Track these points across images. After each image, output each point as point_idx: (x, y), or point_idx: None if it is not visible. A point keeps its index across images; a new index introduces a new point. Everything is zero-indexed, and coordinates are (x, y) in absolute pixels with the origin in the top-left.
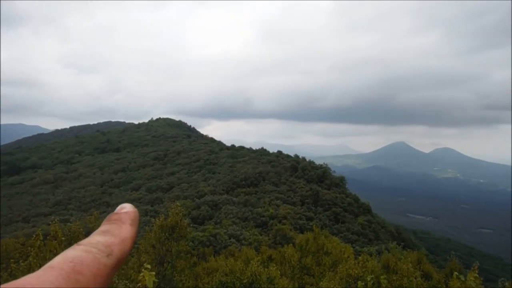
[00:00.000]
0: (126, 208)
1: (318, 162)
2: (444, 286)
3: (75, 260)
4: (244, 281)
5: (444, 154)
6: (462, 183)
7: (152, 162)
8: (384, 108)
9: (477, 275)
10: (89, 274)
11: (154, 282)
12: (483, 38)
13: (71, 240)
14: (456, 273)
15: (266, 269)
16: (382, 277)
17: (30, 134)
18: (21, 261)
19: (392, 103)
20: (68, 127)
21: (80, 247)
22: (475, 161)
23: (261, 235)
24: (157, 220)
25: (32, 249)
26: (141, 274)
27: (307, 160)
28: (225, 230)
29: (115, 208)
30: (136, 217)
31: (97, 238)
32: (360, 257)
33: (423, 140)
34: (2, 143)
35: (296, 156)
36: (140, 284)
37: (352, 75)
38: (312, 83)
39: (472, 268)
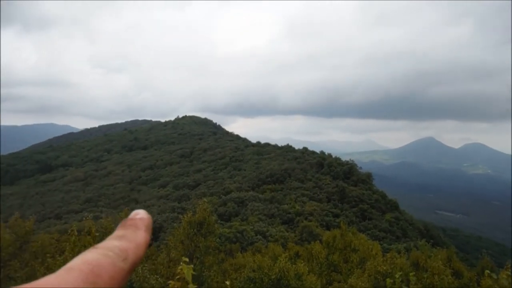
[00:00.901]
0: (141, 214)
1: (344, 158)
2: (476, 284)
3: (93, 262)
4: (272, 277)
5: (475, 150)
6: (493, 179)
7: (179, 160)
8: (413, 103)
9: (510, 274)
10: (107, 276)
11: (192, 275)
12: None
13: (104, 235)
14: (487, 271)
15: (293, 265)
16: (411, 274)
17: (61, 134)
18: (57, 255)
19: (421, 97)
20: (97, 126)
21: (98, 251)
22: (507, 157)
23: (287, 231)
24: (185, 216)
25: (67, 244)
26: (179, 267)
27: (333, 156)
28: (251, 227)
29: (143, 205)
30: (150, 223)
31: (113, 243)
32: (388, 254)
33: (453, 135)
34: (34, 143)
35: (322, 152)
36: (178, 277)
37: (379, 70)
38: (338, 78)
39: (505, 267)
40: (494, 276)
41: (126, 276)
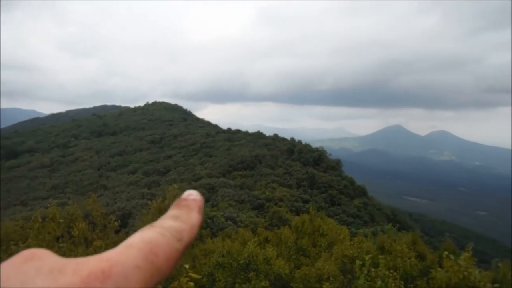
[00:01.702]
0: (194, 195)
1: (315, 145)
2: (438, 266)
3: (152, 241)
4: (241, 261)
5: (441, 137)
6: (458, 166)
7: (149, 146)
8: (382, 91)
9: (470, 255)
10: (163, 256)
11: None
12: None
13: (69, 222)
14: (446, 252)
15: (262, 250)
16: (380, 257)
17: (26, 119)
18: (20, 243)
19: (390, 86)
20: (64, 111)
21: (155, 229)
22: (472, 144)
23: (257, 217)
24: (154, 202)
25: (31, 231)
26: None
27: (304, 143)
28: (221, 213)
29: (112, 191)
30: (203, 204)
31: (169, 223)
32: (355, 238)
33: (420, 123)
34: None
35: (292, 139)
36: None
37: (350, 58)
38: (310, 66)
39: (466, 249)
40: (452, 257)
41: (179, 257)
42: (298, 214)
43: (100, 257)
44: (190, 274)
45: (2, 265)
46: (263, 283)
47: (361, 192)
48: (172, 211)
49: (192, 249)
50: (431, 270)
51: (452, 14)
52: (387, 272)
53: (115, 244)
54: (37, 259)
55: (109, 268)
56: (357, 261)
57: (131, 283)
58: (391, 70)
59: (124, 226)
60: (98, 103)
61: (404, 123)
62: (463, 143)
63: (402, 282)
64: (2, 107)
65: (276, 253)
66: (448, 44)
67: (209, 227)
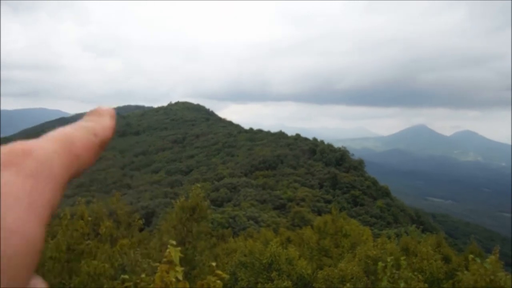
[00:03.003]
0: (104, 106)
1: (336, 145)
2: (464, 269)
3: (67, 133)
4: (264, 261)
5: (465, 137)
6: (483, 167)
7: (171, 145)
8: (404, 90)
9: (497, 258)
10: (80, 145)
11: (179, 257)
12: (506, 15)
13: (96, 219)
14: (471, 255)
15: (285, 250)
16: (402, 258)
17: (52, 118)
18: (49, 239)
19: (413, 84)
20: (88, 110)
21: (70, 126)
22: (497, 144)
23: (279, 217)
24: (177, 201)
25: (60, 228)
26: (167, 250)
27: (326, 143)
28: (243, 212)
29: (136, 190)
30: (114, 113)
31: (82, 123)
32: (379, 239)
33: (444, 122)
34: (25, 128)
35: (315, 139)
36: (165, 259)
37: (371, 56)
38: (330, 64)
39: (493, 252)
40: (478, 260)
41: (97, 150)
42: (320, 215)
43: (19, 142)
44: (217, 272)
45: None
46: (285, 283)
47: (384, 192)
48: (85, 117)
49: (215, 248)
50: (457, 273)
51: (476, 11)
52: (411, 274)
53: (140, 242)
54: None
55: (29, 149)
56: (379, 263)
57: (52, 165)
58: (413, 68)
59: (148, 225)
60: (120, 102)
61: (428, 123)
62: (489, 143)
63: (426, 284)
64: (28, 107)
65: (298, 254)
66: (471, 40)
67: (231, 226)
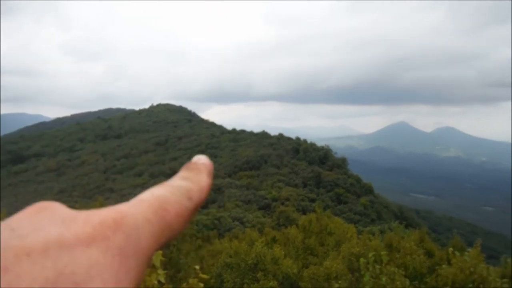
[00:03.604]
0: (203, 159)
1: (320, 144)
2: (446, 263)
3: (162, 198)
4: (249, 262)
5: (446, 133)
6: (464, 162)
7: (154, 148)
8: (386, 88)
9: (478, 251)
10: (173, 212)
11: (161, 260)
12: (486, 14)
13: None
14: (451, 249)
15: (270, 250)
16: (382, 253)
17: (32, 123)
18: None
19: (394, 82)
20: (69, 115)
21: (166, 188)
22: (478, 140)
23: (264, 217)
24: None
25: None
26: None
27: (309, 142)
28: (228, 213)
29: (119, 194)
30: (212, 169)
31: (179, 183)
32: (362, 236)
33: (425, 119)
34: (4, 133)
35: (298, 138)
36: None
37: (353, 55)
38: (313, 64)
39: (474, 245)
40: (458, 254)
41: (190, 215)
42: (305, 213)
43: (111, 208)
44: (200, 275)
45: (15, 215)
46: (271, 283)
47: (368, 190)
48: (181, 173)
49: (200, 250)
50: (439, 267)
51: (456, 10)
52: (395, 269)
53: None
54: (50, 210)
55: (120, 219)
56: (361, 259)
57: (142, 235)
58: (395, 67)
59: None
60: (103, 107)
61: (409, 120)
62: (469, 139)
63: (407, 279)
64: (8, 112)
65: (283, 253)
66: (452, 39)
67: (216, 228)
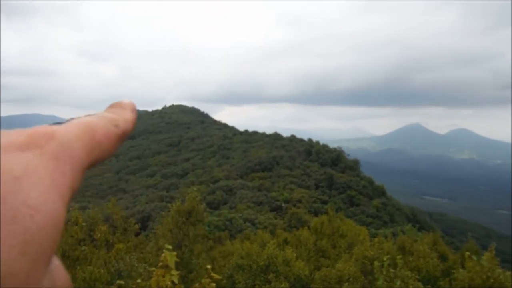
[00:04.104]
0: (126, 100)
1: (332, 145)
2: (460, 266)
3: (90, 121)
4: (261, 263)
5: (461, 135)
6: (479, 164)
7: (167, 149)
8: (399, 90)
9: (493, 255)
10: (102, 133)
11: (175, 261)
12: (499, 15)
13: (91, 225)
14: (468, 253)
15: (282, 252)
16: (398, 257)
17: (47, 124)
18: None
19: (407, 84)
20: (82, 115)
21: (92, 116)
22: (492, 142)
23: (276, 219)
24: (173, 205)
25: None
26: (163, 255)
27: (321, 143)
28: (240, 215)
29: (131, 195)
30: (135, 107)
31: (104, 114)
32: (375, 239)
33: (439, 121)
34: None
35: (310, 140)
36: (161, 264)
37: (367, 57)
38: (325, 66)
39: (489, 249)
40: (474, 258)
41: (117, 140)
42: (316, 215)
43: (42, 126)
44: (212, 274)
45: None
46: (283, 285)
47: (380, 192)
48: (106, 109)
49: (212, 251)
50: (453, 271)
51: (469, 10)
52: (408, 273)
53: (136, 246)
54: None
55: (52, 132)
56: (375, 262)
57: (74, 147)
58: (407, 68)
59: (144, 229)
60: None
61: (423, 122)
62: (484, 141)
63: (421, 283)
64: (22, 113)
65: (295, 255)
66: (466, 40)
67: (227, 229)
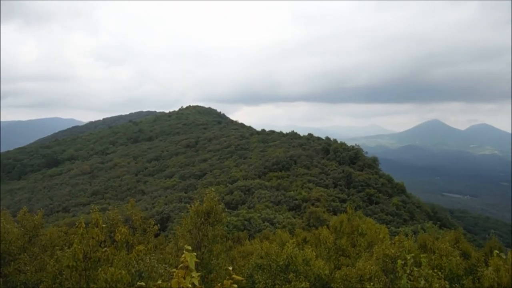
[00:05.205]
0: None
1: (349, 143)
2: (484, 264)
3: None
4: (280, 263)
5: (482, 131)
6: (501, 160)
7: (184, 150)
8: (417, 86)
9: None
10: None
11: (199, 263)
12: None
13: (112, 226)
14: (496, 251)
15: (301, 251)
16: (422, 255)
17: (66, 127)
18: (66, 248)
19: (426, 79)
20: (101, 118)
21: None
22: None
23: (294, 218)
24: (192, 205)
25: (75, 236)
26: (183, 255)
27: (339, 142)
28: (258, 214)
29: (150, 196)
30: None
31: None
32: (396, 237)
33: (459, 117)
34: (40, 137)
35: (327, 138)
36: (182, 265)
37: (383, 53)
38: (342, 63)
39: None
40: (503, 256)
41: None
42: (335, 214)
43: None
44: (233, 276)
45: None
46: (303, 285)
47: (400, 189)
48: None
49: (231, 251)
50: (477, 268)
51: (488, 3)
52: (431, 272)
53: (155, 247)
54: None
55: None
56: (399, 261)
57: None
58: (425, 63)
59: (163, 230)
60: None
61: (443, 118)
62: (506, 136)
63: (447, 282)
64: (42, 117)
65: (315, 254)
66: (484, 33)
67: (246, 229)
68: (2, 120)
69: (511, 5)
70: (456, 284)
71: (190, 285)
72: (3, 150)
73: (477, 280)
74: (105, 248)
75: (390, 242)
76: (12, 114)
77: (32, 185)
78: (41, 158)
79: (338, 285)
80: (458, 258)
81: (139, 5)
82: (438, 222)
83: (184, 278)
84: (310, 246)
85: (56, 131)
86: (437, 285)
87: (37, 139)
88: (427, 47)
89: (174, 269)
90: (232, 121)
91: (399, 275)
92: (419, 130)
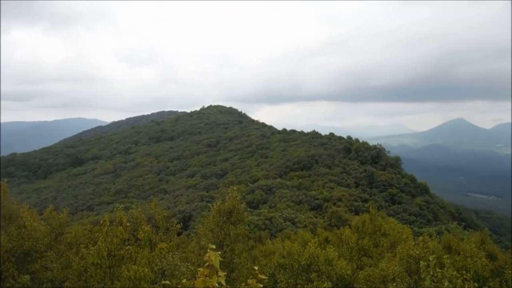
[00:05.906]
0: None
1: (371, 142)
2: (511, 266)
3: None
4: (302, 262)
5: (507, 130)
6: None
7: (206, 149)
8: (441, 84)
9: None
10: None
11: (221, 262)
12: None
13: (135, 225)
14: None
15: (323, 251)
16: (445, 257)
17: (90, 127)
18: (90, 245)
19: (450, 78)
20: (124, 118)
21: None
22: None
23: (316, 217)
24: (214, 205)
25: (100, 234)
26: (207, 254)
27: (361, 141)
28: (280, 214)
29: (172, 195)
30: None
31: None
32: (420, 238)
33: (484, 115)
34: (64, 137)
35: (349, 137)
36: (206, 264)
37: (405, 51)
38: (364, 62)
39: None
40: None
41: None
42: (357, 214)
43: None
44: (259, 275)
45: None
46: (325, 285)
47: (423, 189)
48: None
49: (252, 250)
50: (504, 271)
51: None
52: (455, 273)
53: (178, 246)
54: None
55: None
56: (421, 262)
57: None
58: (449, 61)
59: (185, 229)
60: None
61: (467, 117)
62: None
63: (476, 284)
64: (67, 117)
65: (337, 254)
66: (510, 30)
67: (267, 228)
68: (28, 120)
69: None
70: (485, 287)
71: (217, 284)
72: (29, 150)
73: (504, 283)
74: (129, 246)
75: (414, 242)
76: (38, 115)
77: (58, 184)
78: (65, 158)
79: (361, 286)
80: (484, 259)
81: (162, 6)
82: (463, 223)
83: (210, 277)
84: (332, 246)
85: (80, 131)
86: (466, 285)
87: (62, 139)
88: (451, 46)
89: (197, 268)
90: (253, 120)
91: (423, 276)
92: (443, 129)
